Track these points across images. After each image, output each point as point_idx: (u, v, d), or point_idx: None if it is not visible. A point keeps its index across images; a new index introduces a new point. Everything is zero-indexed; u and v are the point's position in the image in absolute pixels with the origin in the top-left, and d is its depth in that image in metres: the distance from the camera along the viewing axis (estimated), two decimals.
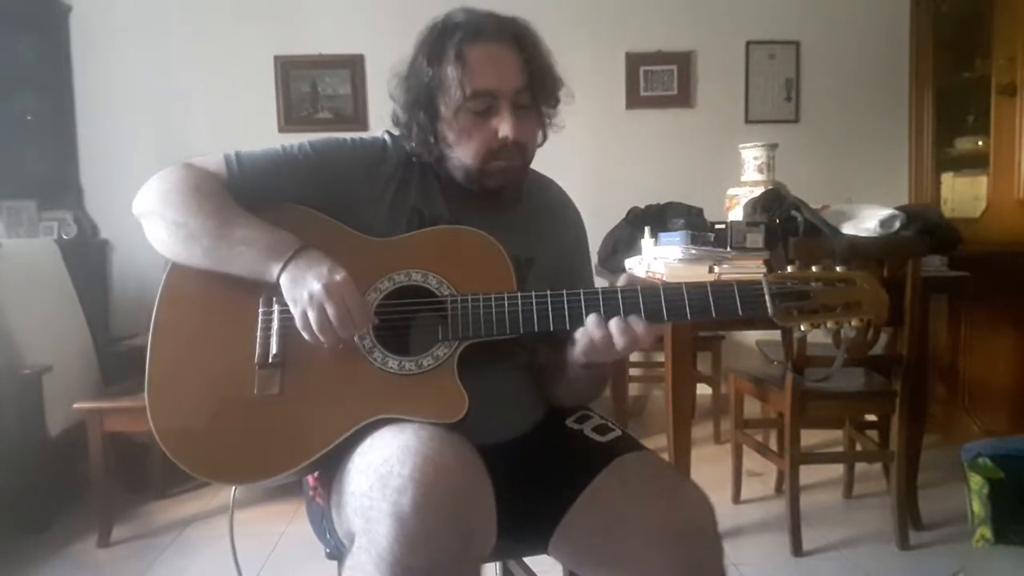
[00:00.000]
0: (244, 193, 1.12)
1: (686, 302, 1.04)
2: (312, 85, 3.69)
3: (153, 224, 1.12)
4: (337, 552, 1.16)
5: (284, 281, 1.04)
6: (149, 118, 3.60)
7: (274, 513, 2.53)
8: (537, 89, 1.13)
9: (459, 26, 1.11)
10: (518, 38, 1.11)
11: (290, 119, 3.68)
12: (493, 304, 1.06)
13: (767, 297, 1.04)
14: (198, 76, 3.63)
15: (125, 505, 2.61)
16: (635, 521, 1.01)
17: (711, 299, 1.04)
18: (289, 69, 3.67)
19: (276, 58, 3.65)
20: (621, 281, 1.08)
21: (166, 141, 3.54)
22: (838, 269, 1.07)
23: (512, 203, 1.21)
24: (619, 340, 1.02)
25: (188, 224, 1.07)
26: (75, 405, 2.31)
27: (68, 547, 2.34)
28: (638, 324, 1.02)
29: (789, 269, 1.08)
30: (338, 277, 1.01)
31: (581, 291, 1.06)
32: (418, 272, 1.10)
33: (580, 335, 1.04)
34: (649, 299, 1.04)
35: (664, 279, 2.13)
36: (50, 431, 2.44)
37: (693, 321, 1.07)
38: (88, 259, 3.43)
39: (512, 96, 1.10)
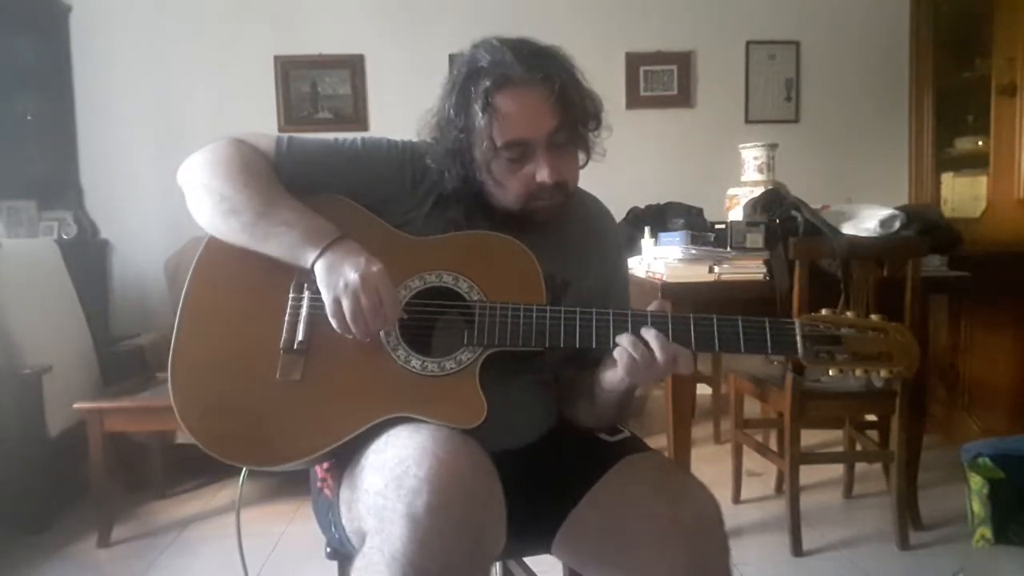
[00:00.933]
0: (287, 176, 1.13)
1: (715, 334, 1.04)
2: (312, 85, 3.69)
3: (196, 194, 1.12)
4: (340, 547, 1.16)
5: (319, 268, 1.05)
6: (149, 118, 3.60)
7: (275, 513, 2.53)
8: (572, 125, 1.10)
9: (485, 71, 1.07)
10: (548, 77, 1.07)
11: (290, 119, 3.68)
12: (522, 315, 1.06)
13: (799, 339, 1.03)
14: (198, 76, 3.63)
15: (125, 505, 2.61)
16: (642, 520, 1.01)
17: (741, 334, 1.04)
18: (289, 69, 3.67)
19: (276, 58, 3.65)
20: (652, 306, 1.07)
21: (166, 141, 3.54)
22: (873, 317, 1.07)
23: (553, 225, 1.18)
24: (660, 355, 1.00)
25: (233, 198, 1.09)
26: (75, 405, 2.31)
27: (68, 547, 2.34)
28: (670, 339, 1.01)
29: (824, 312, 1.07)
30: (375, 268, 1.02)
31: (611, 311, 1.05)
32: (449, 274, 1.10)
33: (618, 354, 1.02)
34: (678, 327, 1.04)
35: (664, 279, 2.13)
36: (50, 431, 2.44)
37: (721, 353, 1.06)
38: (88, 259, 3.43)
39: (546, 140, 1.08)
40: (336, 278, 1.03)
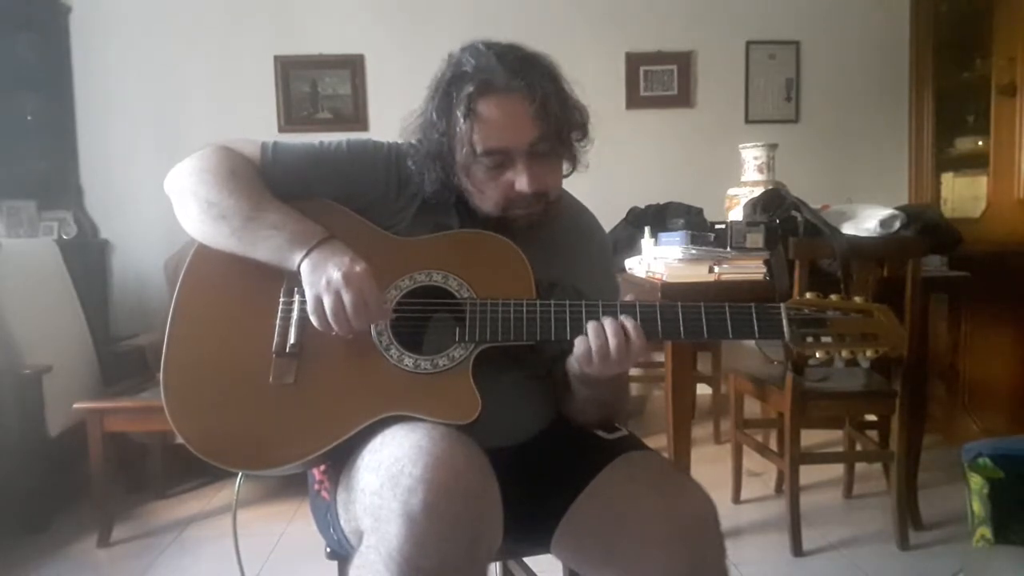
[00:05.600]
0: (274, 182, 1.14)
1: (703, 320, 1.05)
2: (312, 85, 3.69)
3: (184, 201, 1.13)
4: (339, 548, 1.16)
5: (304, 267, 1.05)
6: (149, 118, 3.60)
7: (274, 513, 2.53)
8: (554, 136, 1.09)
9: (468, 76, 1.07)
10: (531, 86, 1.06)
11: (290, 119, 3.68)
12: (512, 309, 1.07)
13: (784, 322, 1.05)
14: (198, 76, 3.63)
15: (125, 505, 2.61)
16: (639, 518, 1.02)
17: (729, 319, 1.05)
18: (289, 69, 3.67)
19: (276, 58, 3.65)
20: (628, 298, 1.08)
21: (166, 141, 3.54)
22: (856, 299, 1.08)
23: (539, 228, 1.18)
24: (612, 340, 1.01)
25: (221, 203, 1.09)
26: (75, 405, 2.31)
27: (68, 547, 2.34)
28: (628, 321, 1.02)
29: (808, 296, 1.09)
30: (358, 268, 1.02)
31: (600, 301, 1.07)
32: (439, 273, 1.11)
33: (578, 342, 1.03)
34: (667, 315, 1.05)
35: (664, 279, 2.13)
36: (50, 431, 2.44)
37: (709, 340, 1.08)
38: (88, 259, 3.43)
39: (527, 149, 1.08)
40: (319, 276, 1.03)
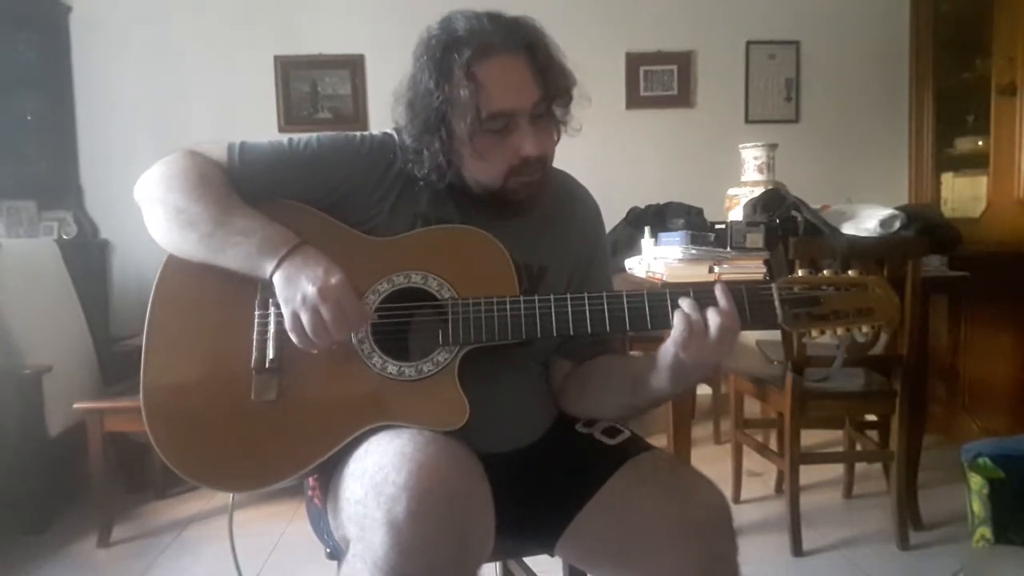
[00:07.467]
0: (243, 185, 1.10)
1: None
2: (312, 85, 3.69)
3: (153, 209, 1.09)
4: (336, 551, 1.16)
5: (277, 280, 1.00)
6: (149, 118, 3.60)
7: (274, 513, 2.53)
8: (552, 96, 1.07)
9: (463, 41, 1.02)
10: (529, 46, 1.04)
11: (290, 119, 3.67)
12: (495, 308, 1.03)
13: (776, 303, 1.01)
14: (198, 76, 3.63)
15: (125, 505, 2.61)
16: (652, 518, 1.00)
17: None
18: (289, 69, 3.67)
19: (276, 58, 3.65)
20: None
21: (166, 141, 3.50)
22: (850, 273, 1.05)
23: (527, 209, 1.13)
24: (714, 317, 0.97)
25: (189, 210, 1.05)
26: (75, 405, 2.31)
27: (68, 547, 2.34)
28: (722, 299, 0.99)
29: (800, 273, 1.05)
30: (334, 280, 0.98)
31: (585, 295, 1.04)
32: (418, 274, 1.07)
33: (678, 321, 0.98)
34: (655, 303, 1.02)
35: (664, 279, 2.13)
36: (50, 431, 2.44)
37: None
38: (88, 259, 3.43)
39: (530, 111, 1.04)
40: (294, 291, 0.98)
